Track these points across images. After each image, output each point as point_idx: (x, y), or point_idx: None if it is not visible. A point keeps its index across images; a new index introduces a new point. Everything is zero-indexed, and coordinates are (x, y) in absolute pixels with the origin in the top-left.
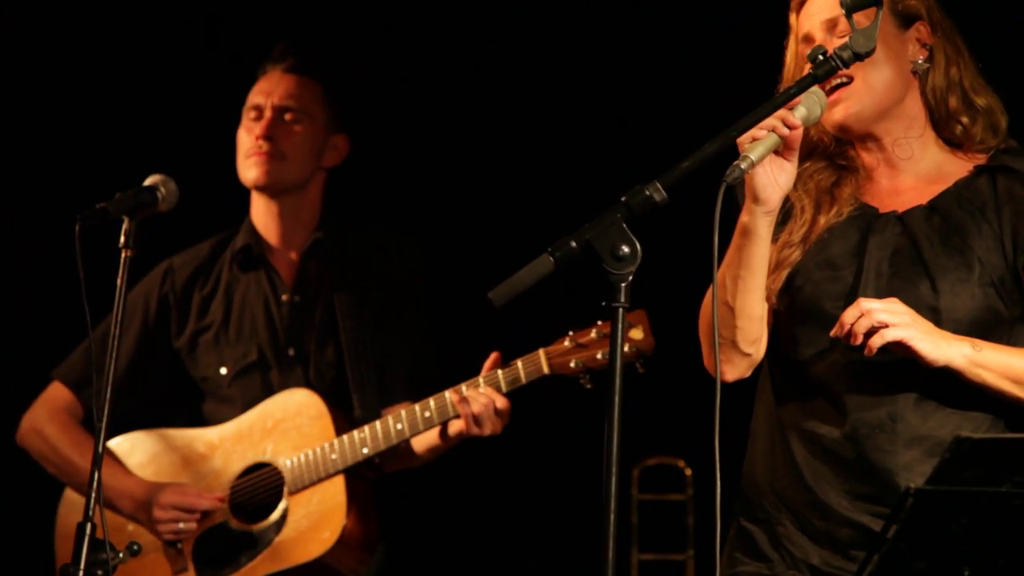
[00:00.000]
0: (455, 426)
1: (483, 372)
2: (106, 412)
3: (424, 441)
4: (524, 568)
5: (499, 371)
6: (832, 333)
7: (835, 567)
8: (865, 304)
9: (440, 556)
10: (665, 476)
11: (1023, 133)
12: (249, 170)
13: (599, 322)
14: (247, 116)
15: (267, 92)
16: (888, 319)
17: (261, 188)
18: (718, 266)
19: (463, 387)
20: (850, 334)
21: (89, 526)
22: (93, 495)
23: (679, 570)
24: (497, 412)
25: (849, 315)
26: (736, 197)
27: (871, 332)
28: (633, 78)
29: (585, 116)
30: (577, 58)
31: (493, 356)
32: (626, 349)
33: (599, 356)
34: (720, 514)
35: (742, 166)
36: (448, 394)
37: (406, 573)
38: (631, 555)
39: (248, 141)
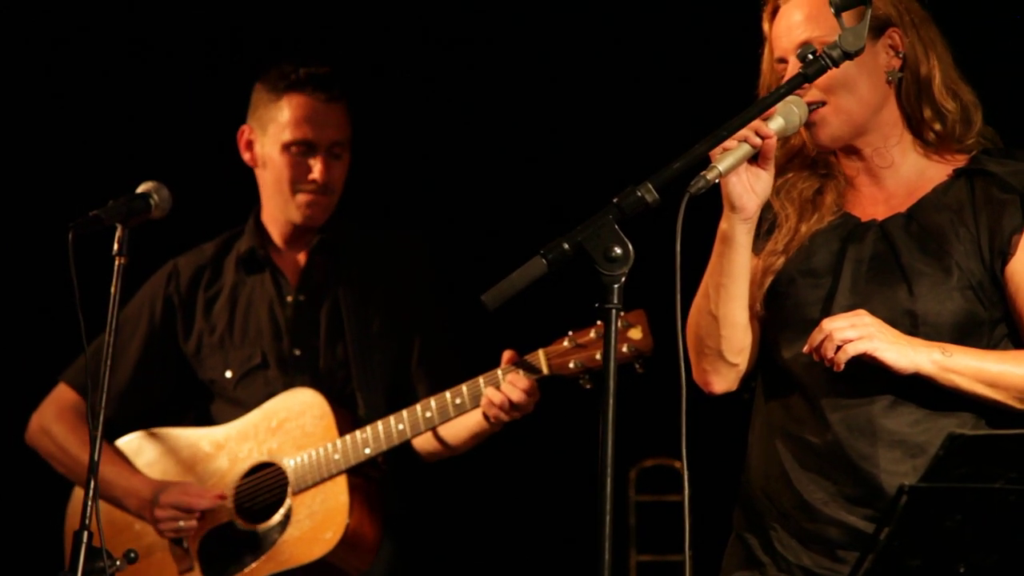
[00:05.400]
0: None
1: (500, 367)
2: (100, 421)
3: (459, 430)
4: (521, 570)
5: (498, 371)
6: (804, 350)
7: (826, 568)
8: (827, 325)
9: (438, 557)
10: (662, 477)
11: (1013, 132)
12: (302, 209)
13: (598, 322)
14: (293, 148)
15: (317, 126)
16: (851, 334)
17: (312, 227)
18: (680, 274)
19: (499, 372)
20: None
21: (86, 534)
22: (90, 503)
23: (677, 571)
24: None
25: (814, 338)
26: None
27: (837, 349)
28: (627, 79)
29: (579, 117)
30: (573, 57)
31: (508, 354)
32: (624, 349)
33: (598, 356)
34: (689, 519)
35: (708, 176)
36: (481, 380)
37: (405, 573)
38: (629, 556)
39: (299, 178)
